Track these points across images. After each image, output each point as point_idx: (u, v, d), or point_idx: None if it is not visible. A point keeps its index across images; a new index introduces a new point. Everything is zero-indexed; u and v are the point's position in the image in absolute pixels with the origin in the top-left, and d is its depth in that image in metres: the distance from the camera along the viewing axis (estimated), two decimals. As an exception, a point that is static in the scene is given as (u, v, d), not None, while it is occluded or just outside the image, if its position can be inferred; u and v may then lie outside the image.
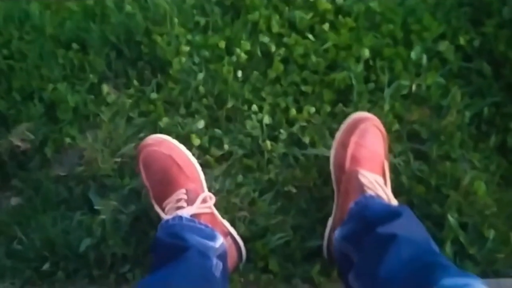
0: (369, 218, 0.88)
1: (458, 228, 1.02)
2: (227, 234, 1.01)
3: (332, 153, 1.06)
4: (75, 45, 1.29)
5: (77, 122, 1.21)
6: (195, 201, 0.98)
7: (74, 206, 1.13)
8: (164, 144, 1.05)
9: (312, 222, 1.07)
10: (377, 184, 0.96)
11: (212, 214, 1.01)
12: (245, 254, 1.03)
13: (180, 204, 0.98)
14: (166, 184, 1.02)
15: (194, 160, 1.07)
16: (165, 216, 0.98)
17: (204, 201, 1.00)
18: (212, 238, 0.94)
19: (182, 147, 1.07)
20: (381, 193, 0.95)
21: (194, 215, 0.96)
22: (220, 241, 0.95)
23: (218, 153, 1.15)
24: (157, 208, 1.02)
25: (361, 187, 0.95)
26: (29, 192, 1.16)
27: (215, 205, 1.03)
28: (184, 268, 0.85)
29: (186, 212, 0.96)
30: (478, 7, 1.25)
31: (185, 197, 0.98)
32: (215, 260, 0.90)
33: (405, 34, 1.22)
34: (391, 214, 0.85)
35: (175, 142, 1.07)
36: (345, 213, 0.95)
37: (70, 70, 1.27)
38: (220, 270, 0.89)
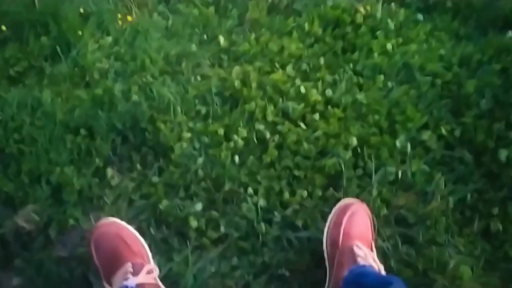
0: (362, 286, 0.94)
1: (446, 312, 1.06)
2: None
3: (325, 232, 1.13)
4: (83, 131, 1.37)
5: (81, 204, 1.27)
6: (140, 272, 1.04)
7: (74, 287, 1.16)
8: (113, 226, 1.14)
9: (305, 306, 1.10)
10: (369, 254, 1.04)
11: (156, 285, 1.07)
12: None
13: (126, 276, 1.04)
14: (114, 261, 1.08)
15: (141, 239, 1.14)
16: None
17: (149, 272, 1.06)
18: None
19: (130, 227, 1.15)
20: (372, 263, 1.03)
21: (139, 285, 1.02)
22: None
23: (214, 235, 1.19)
24: (107, 287, 1.08)
25: (354, 257, 1.04)
26: (31, 272, 1.19)
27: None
28: None
29: (131, 282, 1.01)
30: (457, 99, 1.36)
31: (131, 270, 1.05)
32: None
33: (390, 124, 1.31)
34: (383, 283, 0.91)
35: (123, 223, 1.15)
36: (339, 282, 1.02)
37: (77, 155, 1.34)
38: None
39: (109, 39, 1.59)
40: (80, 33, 1.58)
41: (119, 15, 1.63)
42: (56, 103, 1.44)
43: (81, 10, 1.64)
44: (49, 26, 1.59)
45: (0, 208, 1.28)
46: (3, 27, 1.60)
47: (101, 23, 1.63)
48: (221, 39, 1.55)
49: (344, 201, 1.15)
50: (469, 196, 1.21)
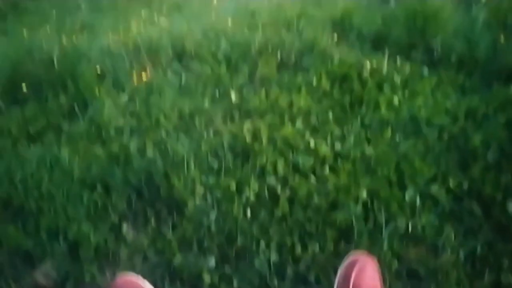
0: None
1: None
2: None
3: (335, 287, 1.13)
4: (99, 187, 1.41)
5: (98, 260, 1.29)
6: None
7: None
8: (129, 281, 1.13)
9: None
10: None
11: None
12: None
13: None
14: None
15: None
16: None
17: None
18: None
19: (145, 282, 1.14)
20: None
21: None
22: None
23: (228, 292, 1.21)
24: None
25: None
26: (48, 329, 1.21)
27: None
28: None
29: None
30: (464, 152, 1.38)
31: None
32: None
33: (399, 177, 1.34)
34: None
35: (139, 278, 1.15)
36: None
37: (94, 210, 1.38)
38: None
39: (125, 96, 1.66)
40: (96, 91, 1.66)
41: (134, 73, 1.71)
42: (73, 160, 1.49)
43: (98, 69, 1.72)
44: (67, 85, 1.67)
45: (19, 264, 1.31)
46: (24, 87, 1.67)
47: (117, 81, 1.70)
48: (233, 95, 1.61)
49: (353, 255, 1.15)
50: (479, 248, 1.21)
